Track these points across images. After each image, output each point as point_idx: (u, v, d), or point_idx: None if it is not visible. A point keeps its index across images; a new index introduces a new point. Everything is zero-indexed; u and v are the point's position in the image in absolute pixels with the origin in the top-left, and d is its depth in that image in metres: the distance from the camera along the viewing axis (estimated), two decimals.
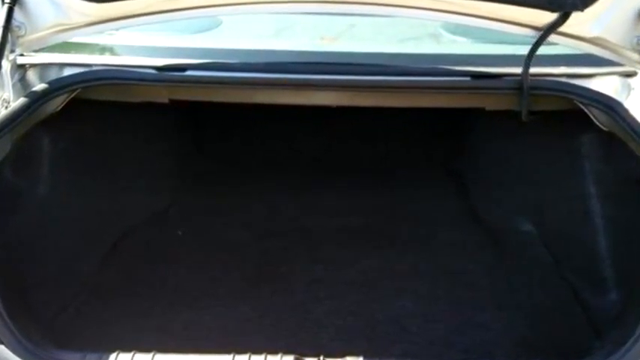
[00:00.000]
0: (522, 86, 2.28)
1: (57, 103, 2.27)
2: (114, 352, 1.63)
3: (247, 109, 2.87)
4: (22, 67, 2.27)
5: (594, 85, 2.28)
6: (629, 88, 2.23)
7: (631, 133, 2.01)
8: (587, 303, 2.28)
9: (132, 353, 1.63)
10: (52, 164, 2.40)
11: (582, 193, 2.44)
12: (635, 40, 2.11)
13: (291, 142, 3.44)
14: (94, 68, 2.36)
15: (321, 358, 1.61)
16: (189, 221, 2.86)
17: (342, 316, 2.26)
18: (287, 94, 2.48)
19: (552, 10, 2.07)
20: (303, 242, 2.71)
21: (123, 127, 2.77)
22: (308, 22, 2.93)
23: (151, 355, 1.63)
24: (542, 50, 2.23)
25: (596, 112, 2.21)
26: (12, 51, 2.16)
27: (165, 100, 2.53)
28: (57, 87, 2.24)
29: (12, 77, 2.16)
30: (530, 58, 2.23)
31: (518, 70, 2.28)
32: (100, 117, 2.61)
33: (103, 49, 2.58)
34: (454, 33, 2.79)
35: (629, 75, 2.28)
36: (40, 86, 2.20)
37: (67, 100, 2.29)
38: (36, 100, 2.14)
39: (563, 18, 2.09)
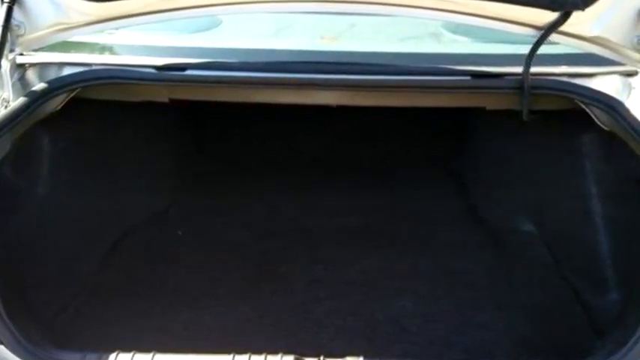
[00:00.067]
0: (523, 86, 2.28)
1: (56, 103, 2.27)
2: (114, 352, 1.63)
3: (247, 109, 2.86)
4: (22, 67, 2.27)
5: (595, 84, 2.27)
6: (630, 88, 2.23)
7: (632, 133, 2.01)
8: (587, 303, 2.28)
9: (132, 353, 1.62)
10: (51, 164, 2.39)
11: (583, 193, 2.44)
12: (636, 39, 2.11)
13: (291, 141, 3.44)
14: (94, 67, 2.36)
15: (321, 358, 1.61)
16: (189, 221, 2.85)
17: (342, 316, 2.26)
18: (287, 93, 2.47)
19: (553, 10, 2.06)
20: (303, 242, 2.71)
21: (123, 126, 2.77)
22: (308, 22, 2.93)
23: (150, 355, 1.62)
24: (543, 49, 2.22)
25: (597, 111, 2.20)
26: (11, 50, 2.16)
27: (165, 100, 2.52)
28: (56, 86, 2.23)
29: (11, 76, 2.16)
30: (531, 58, 2.23)
31: (519, 69, 2.28)
32: (100, 116, 2.61)
33: (102, 49, 2.57)
34: (455, 32, 2.79)
35: (630, 74, 2.28)
36: (39, 86, 2.20)
37: (67, 99, 2.29)
38: (35, 99, 2.14)
39: (564, 17, 2.08)
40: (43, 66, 2.32)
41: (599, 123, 2.22)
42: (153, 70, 2.35)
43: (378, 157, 3.42)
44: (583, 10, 2.03)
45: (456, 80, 2.38)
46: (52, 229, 2.32)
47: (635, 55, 2.14)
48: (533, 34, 2.19)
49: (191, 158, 3.30)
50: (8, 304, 1.71)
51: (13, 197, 2.16)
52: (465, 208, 2.99)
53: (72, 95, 2.29)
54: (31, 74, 2.28)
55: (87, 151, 2.61)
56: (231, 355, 1.62)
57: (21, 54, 2.24)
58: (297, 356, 1.60)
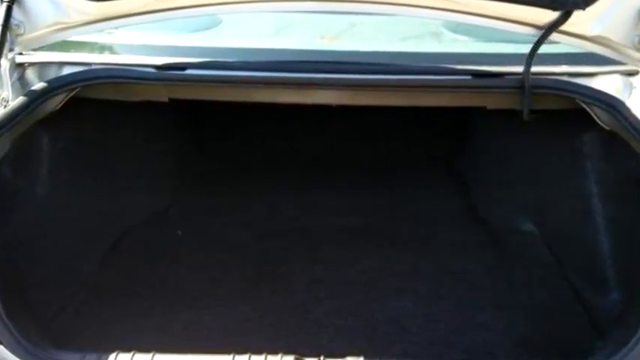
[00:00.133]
0: (524, 85, 2.27)
1: (56, 102, 2.26)
2: (113, 352, 1.63)
3: (247, 108, 2.86)
4: (21, 66, 2.26)
5: (596, 83, 2.27)
6: (630, 87, 2.22)
7: (633, 132, 2.01)
8: (588, 303, 2.27)
9: (131, 353, 1.62)
10: (51, 164, 2.39)
11: (584, 193, 2.43)
12: (636, 38, 2.10)
13: (291, 141, 3.44)
14: (94, 67, 2.35)
15: (322, 358, 1.60)
16: (189, 221, 2.85)
17: (343, 316, 2.25)
18: (287, 93, 2.47)
19: (554, 9, 2.06)
20: (303, 242, 2.70)
21: (122, 126, 2.76)
22: (308, 21, 2.92)
23: (150, 355, 1.62)
24: (544, 49, 2.22)
25: (597, 111, 2.20)
26: (11, 50, 2.16)
27: (165, 99, 2.52)
28: (56, 86, 2.23)
29: (11, 76, 2.16)
30: (531, 57, 2.23)
31: (519, 68, 2.28)
32: (100, 116, 2.60)
33: (102, 48, 2.57)
34: (455, 32, 2.78)
35: (631, 74, 2.27)
36: (39, 85, 2.20)
37: (67, 99, 2.29)
38: (35, 99, 2.13)
39: (565, 16, 2.08)
40: (42, 65, 2.31)
41: (599, 122, 2.21)
42: (152, 70, 2.35)
43: (378, 156, 3.42)
44: (584, 9, 2.02)
45: (457, 80, 2.37)
46: (51, 229, 2.31)
47: (636, 55, 2.14)
48: (534, 34, 2.19)
49: (191, 158, 3.30)
50: (8, 304, 1.70)
51: (12, 197, 2.16)
52: (466, 208, 2.98)
53: (71, 95, 2.29)
54: (30, 74, 2.28)
55: (86, 150, 2.61)
56: (231, 355, 1.61)
57: (20, 53, 2.24)
58: (297, 356, 1.60)
